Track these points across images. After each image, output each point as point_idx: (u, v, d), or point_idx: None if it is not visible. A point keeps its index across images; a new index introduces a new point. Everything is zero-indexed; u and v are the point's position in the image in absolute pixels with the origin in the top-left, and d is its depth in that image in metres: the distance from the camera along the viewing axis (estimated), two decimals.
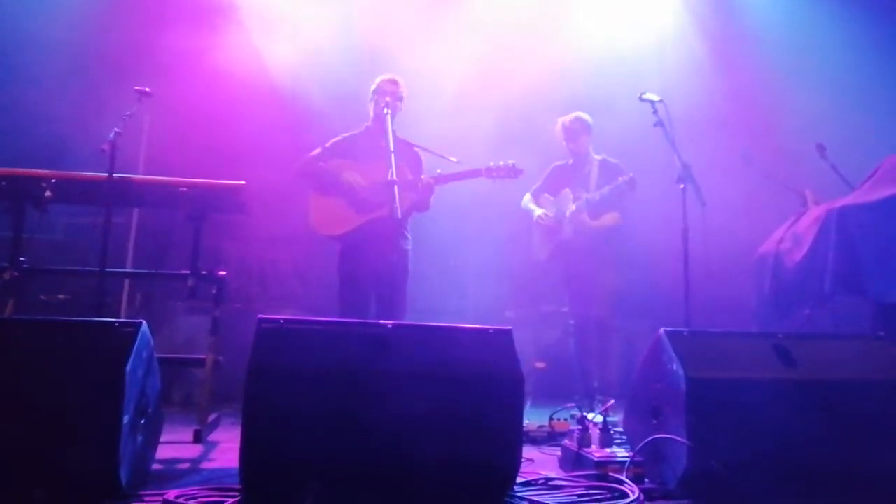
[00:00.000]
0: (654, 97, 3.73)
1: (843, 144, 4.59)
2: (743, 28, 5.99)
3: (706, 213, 3.54)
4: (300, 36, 5.52)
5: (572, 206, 4.47)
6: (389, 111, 3.75)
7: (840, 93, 5.47)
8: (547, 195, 4.76)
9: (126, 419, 2.24)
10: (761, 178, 4.74)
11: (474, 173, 3.91)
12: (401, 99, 3.98)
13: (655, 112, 3.70)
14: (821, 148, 4.38)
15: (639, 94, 3.76)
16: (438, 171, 3.90)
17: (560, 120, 4.70)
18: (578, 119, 4.64)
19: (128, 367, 2.25)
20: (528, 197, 4.83)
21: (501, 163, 3.90)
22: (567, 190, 4.57)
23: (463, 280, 5.94)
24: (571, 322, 4.73)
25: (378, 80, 4.04)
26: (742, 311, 4.65)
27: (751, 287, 4.40)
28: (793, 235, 3.94)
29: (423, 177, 3.89)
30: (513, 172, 3.91)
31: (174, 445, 3.13)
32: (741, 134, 5.41)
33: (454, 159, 3.94)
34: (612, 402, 3.27)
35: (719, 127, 5.54)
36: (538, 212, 4.70)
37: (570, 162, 4.70)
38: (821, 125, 5.18)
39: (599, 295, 4.49)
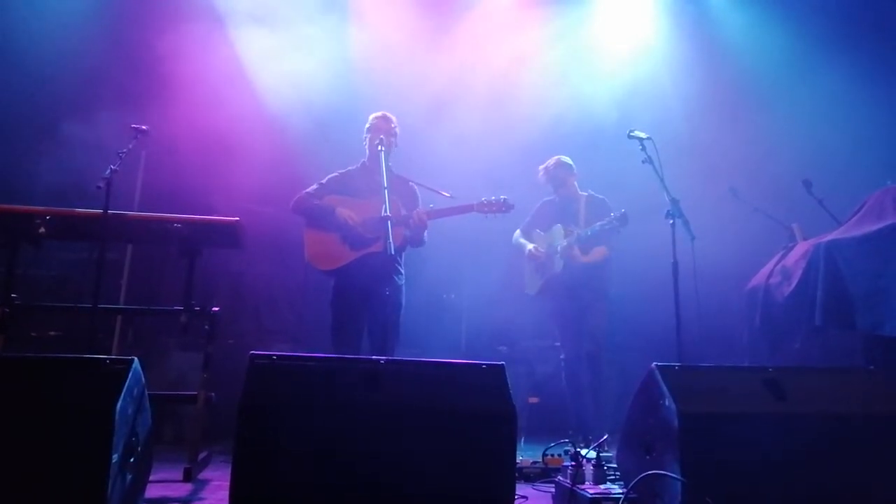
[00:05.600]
0: (643, 135, 3.79)
1: (830, 179, 4.68)
2: (732, 64, 6.12)
3: (696, 247, 3.57)
4: (296, 71, 5.62)
5: (564, 242, 4.52)
6: (384, 148, 3.81)
7: (827, 128, 5.58)
8: (538, 231, 4.81)
9: (115, 458, 2.22)
10: (750, 213, 4.81)
11: (466, 208, 3.95)
12: (395, 135, 4.06)
13: (644, 149, 3.76)
14: (807, 184, 4.47)
15: (627, 132, 3.82)
16: (431, 205, 3.95)
17: (542, 167, 4.76)
18: (561, 164, 4.71)
19: (118, 406, 2.23)
20: (518, 233, 4.88)
21: (493, 198, 3.95)
22: (558, 226, 4.62)
23: (456, 315, 5.94)
24: (562, 357, 4.72)
25: (371, 118, 4.12)
26: (733, 344, 4.67)
27: (741, 320, 4.43)
28: (782, 269, 3.99)
29: (416, 211, 3.93)
30: (504, 207, 3.96)
31: (164, 484, 3.09)
32: (729, 169, 5.50)
33: (447, 194, 3.99)
34: (606, 437, 3.25)
35: (708, 162, 5.63)
36: (529, 246, 4.74)
37: (558, 199, 4.76)
38: (808, 160, 5.28)
39: (588, 330, 4.49)
